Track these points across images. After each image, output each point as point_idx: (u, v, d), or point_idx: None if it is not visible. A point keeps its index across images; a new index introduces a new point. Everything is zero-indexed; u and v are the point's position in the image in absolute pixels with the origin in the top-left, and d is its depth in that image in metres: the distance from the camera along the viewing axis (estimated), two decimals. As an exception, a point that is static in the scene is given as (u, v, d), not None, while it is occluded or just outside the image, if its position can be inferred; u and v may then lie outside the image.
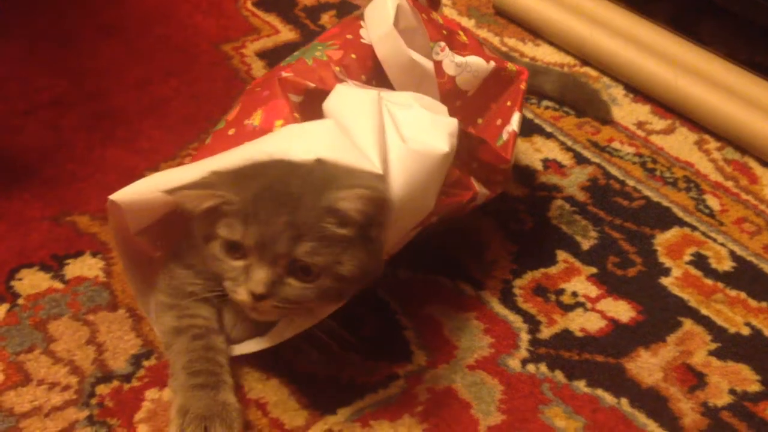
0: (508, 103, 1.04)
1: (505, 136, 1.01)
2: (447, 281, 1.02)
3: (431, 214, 0.90)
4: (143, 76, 1.25)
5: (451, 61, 1.01)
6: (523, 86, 1.04)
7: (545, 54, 1.38)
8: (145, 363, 0.91)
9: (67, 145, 1.14)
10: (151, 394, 0.88)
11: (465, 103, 1.02)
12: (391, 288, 1.00)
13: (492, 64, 1.02)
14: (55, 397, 0.87)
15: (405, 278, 1.02)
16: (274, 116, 0.88)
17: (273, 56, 1.31)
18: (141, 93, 1.23)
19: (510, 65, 1.05)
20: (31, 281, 0.97)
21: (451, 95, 1.00)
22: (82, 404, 0.87)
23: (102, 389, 0.88)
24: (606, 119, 1.26)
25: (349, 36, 0.98)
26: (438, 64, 1.00)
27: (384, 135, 0.86)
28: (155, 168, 1.11)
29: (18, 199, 1.06)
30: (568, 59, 1.37)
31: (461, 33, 1.05)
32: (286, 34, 1.37)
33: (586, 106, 1.26)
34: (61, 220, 1.04)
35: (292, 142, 0.85)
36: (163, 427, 0.85)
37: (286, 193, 0.80)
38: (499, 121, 1.03)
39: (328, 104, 0.89)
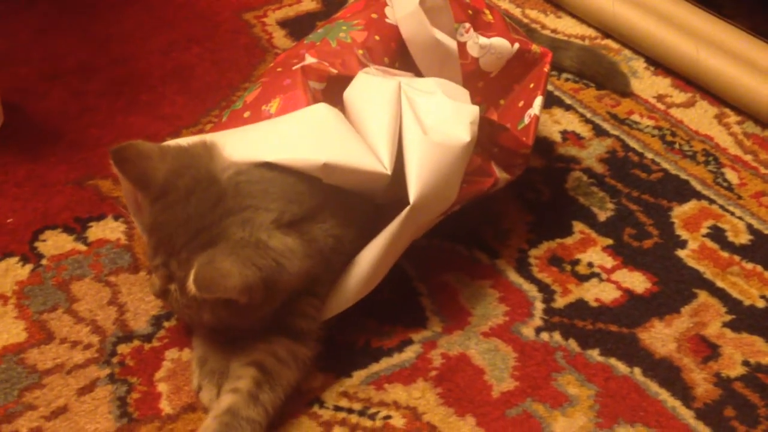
0: (531, 85, 1.04)
1: (526, 119, 1.01)
2: (463, 249, 1.03)
3: (454, 203, 0.91)
4: (166, 43, 1.26)
5: (475, 43, 1.01)
6: (546, 68, 1.04)
7: (567, 26, 1.37)
8: (166, 324, 0.93)
9: (92, 110, 1.16)
10: (171, 354, 0.90)
11: (487, 84, 1.02)
12: (408, 255, 1.01)
13: (516, 45, 1.02)
14: (77, 355, 0.89)
15: (421, 245, 1.02)
16: (290, 107, 0.89)
17: (294, 25, 1.32)
18: (164, 59, 1.24)
19: (534, 47, 1.04)
20: (55, 243, 0.99)
21: (473, 76, 1.01)
22: (103, 362, 0.89)
23: (123, 348, 0.90)
24: (625, 92, 1.26)
25: (374, 15, 0.99)
26: (462, 45, 1.00)
27: (398, 130, 0.86)
28: (177, 134, 1.13)
29: (43, 163, 1.08)
30: (589, 31, 1.37)
31: (487, 11, 1.04)
32: (308, 3, 1.37)
33: (606, 79, 1.26)
34: (85, 184, 1.06)
35: (296, 139, 0.85)
36: (182, 386, 0.87)
37: (180, 219, 0.81)
38: (521, 103, 1.03)
39: (349, 93, 0.90)
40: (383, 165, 0.85)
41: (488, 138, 0.96)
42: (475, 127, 0.89)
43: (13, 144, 1.10)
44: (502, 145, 0.98)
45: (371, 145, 0.86)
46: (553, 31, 1.36)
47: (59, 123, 1.14)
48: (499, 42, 1.02)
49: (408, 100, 0.88)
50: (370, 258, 0.88)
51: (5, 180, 1.06)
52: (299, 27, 1.31)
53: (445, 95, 0.90)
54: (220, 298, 0.80)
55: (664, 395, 0.91)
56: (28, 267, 0.97)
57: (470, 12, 1.02)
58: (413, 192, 0.85)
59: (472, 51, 1.01)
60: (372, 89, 0.90)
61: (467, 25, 1.01)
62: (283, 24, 1.33)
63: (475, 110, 0.90)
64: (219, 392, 0.84)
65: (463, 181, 0.91)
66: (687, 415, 0.89)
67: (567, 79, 1.28)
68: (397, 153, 0.87)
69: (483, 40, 1.01)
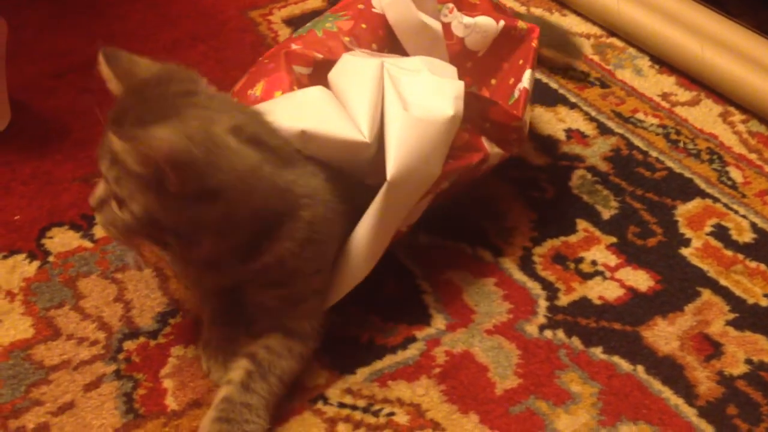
0: (520, 62, 1.04)
1: (516, 93, 1.01)
2: (467, 247, 1.04)
3: (440, 180, 0.91)
4: (171, 41, 1.27)
5: (459, 23, 1.01)
6: (534, 44, 1.04)
7: (571, 24, 1.37)
8: (171, 320, 0.93)
9: (98, 107, 1.16)
10: (176, 350, 0.91)
11: (476, 63, 1.03)
12: (412, 253, 1.02)
13: (501, 23, 1.02)
14: (84, 351, 0.90)
15: (425, 244, 1.03)
16: (274, 87, 0.90)
17: (300, 23, 1.31)
18: (169, 57, 1.22)
19: (521, 23, 1.05)
20: (62, 239, 1.00)
21: (460, 56, 1.01)
22: (109, 359, 0.90)
23: (129, 345, 0.91)
24: (577, 61, 1.26)
25: (360, 6, 1.00)
26: (446, 26, 1.00)
27: (380, 103, 0.86)
28: (182, 132, 1.13)
29: (49, 160, 1.09)
30: (594, 29, 1.37)
31: None
32: (314, 1, 1.38)
33: (559, 48, 1.26)
34: (91, 181, 1.06)
35: (281, 111, 0.86)
36: (187, 382, 0.88)
37: (140, 98, 0.79)
38: (511, 80, 1.03)
39: (332, 74, 0.91)
40: (362, 134, 0.84)
41: (478, 113, 0.96)
42: (459, 101, 0.89)
43: (20, 142, 1.10)
44: (493, 119, 0.98)
45: (352, 117, 0.86)
46: (558, 29, 1.37)
47: (65, 121, 1.14)
48: (484, 20, 1.02)
49: (391, 78, 0.88)
50: (359, 240, 0.88)
51: (12, 178, 1.06)
52: (304, 25, 1.31)
53: (430, 72, 0.91)
54: (152, 179, 0.75)
55: (666, 393, 0.91)
56: (35, 264, 0.97)
57: None
58: (390, 167, 0.84)
59: (457, 31, 1.01)
60: (355, 68, 0.90)
61: (450, 5, 1.02)
62: (289, 22, 1.33)
63: (459, 85, 0.90)
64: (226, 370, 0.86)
65: (449, 157, 0.90)
66: (690, 412, 0.90)
67: (572, 78, 1.28)
68: (383, 133, 0.86)
69: (467, 20, 1.02)
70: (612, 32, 1.36)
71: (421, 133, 0.86)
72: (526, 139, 1.05)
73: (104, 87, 1.19)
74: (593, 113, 1.23)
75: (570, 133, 1.20)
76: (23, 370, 0.88)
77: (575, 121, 1.21)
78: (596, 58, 1.32)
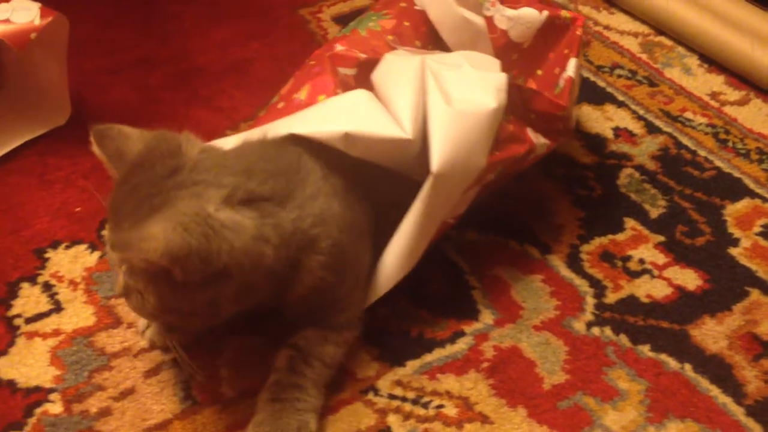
0: (566, 51, 1.04)
1: (561, 83, 1.02)
2: (515, 244, 1.05)
3: (486, 171, 0.91)
4: (225, 39, 1.30)
5: (503, 15, 1.01)
6: (579, 32, 1.04)
7: (619, 23, 1.38)
8: (226, 311, 0.96)
9: (154, 103, 1.20)
10: (232, 341, 0.93)
11: (522, 55, 1.03)
12: (460, 249, 1.03)
13: (545, 13, 1.02)
14: (143, 339, 0.93)
15: (473, 240, 1.04)
16: (318, 91, 0.92)
17: (348, 21, 1.32)
18: (223, 54, 1.27)
19: (564, 12, 1.05)
20: (121, 231, 1.03)
21: (506, 49, 1.01)
22: (168, 347, 0.92)
23: (186, 334, 0.94)
24: None
25: (402, 4, 1.01)
26: (489, 20, 1.01)
27: (422, 100, 0.87)
28: (235, 127, 1.16)
29: (108, 154, 1.12)
30: (642, 28, 1.37)
31: None
32: (362, -1, 1.40)
33: None
34: (148, 175, 1.10)
35: (324, 115, 0.87)
36: (242, 371, 0.90)
37: (131, 187, 0.78)
38: (557, 70, 1.03)
39: (375, 74, 0.92)
40: (404, 131, 0.85)
41: (522, 104, 0.96)
42: (502, 93, 0.89)
43: (80, 136, 1.12)
44: (538, 110, 0.98)
45: (394, 115, 0.87)
46: (606, 27, 1.37)
47: (123, 116, 1.17)
48: (527, 12, 1.02)
49: (433, 74, 0.89)
50: (404, 234, 0.89)
51: (73, 171, 1.10)
52: (350, 23, 1.33)
53: (471, 66, 0.91)
54: (159, 273, 0.75)
55: (714, 391, 0.92)
56: (96, 254, 1.01)
57: None
58: (435, 160, 0.85)
59: (500, 24, 1.01)
60: (396, 67, 0.91)
61: None
62: (338, 19, 1.35)
63: (502, 77, 0.91)
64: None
65: (494, 149, 0.91)
66: (738, 411, 0.90)
67: (620, 76, 1.28)
68: (426, 128, 0.87)
69: (510, 12, 1.01)
70: (660, 31, 1.36)
71: (465, 126, 0.87)
72: (573, 130, 1.05)
73: (158, 83, 1.23)
74: (641, 112, 1.23)
75: (618, 131, 1.20)
76: (86, 356, 0.91)
77: (623, 119, 1.22)
78: (644, 56, 1.32)
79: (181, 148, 0.81)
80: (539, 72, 1.04)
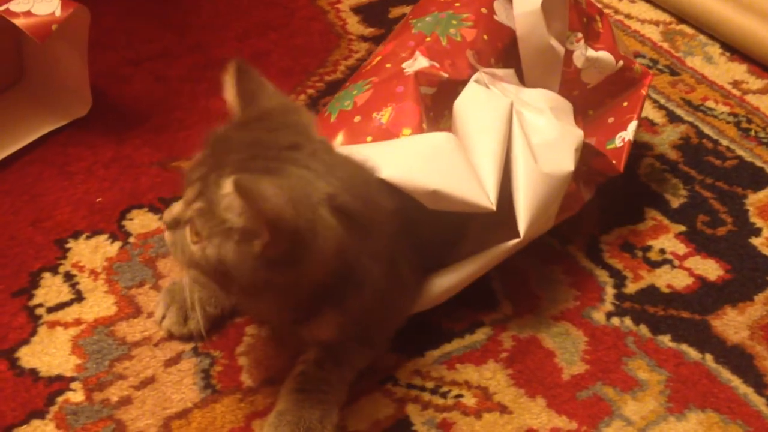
0: (625, 104, 1.04)
1: (617, 141, 1.01)
2: (534, 234, 1.04)
3: None
4: (243, 30, 1.30)
5: (582, 54, 1.01)
6: (644, 91, 1.04)
7: (641, 11, 1.36)
8: (246, 301, 0.96)
9: (174, 94, 1.20)
10: (251, 329, 0.94)
11: (582, 93, 1.03)
12: (479, 239, 1.03)
13: (620, 63, 1.03)
14: (161, 329, 0.94)
15: (493, 230, 1.04)
16: (403, 121, 0.89)
17: (368, 11, 1.34)
18: (241, 45, 1.28)
19: (637, 66, 1.05)
20: (141, 221, 1.04)
21: (571, 84, 1.02)
22: (184, 337, 0.93)
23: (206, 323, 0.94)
24: None
25: (483, 10, 0.99)
26: (569, 53, 1.00)
27: (505, 154, 0.87)
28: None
29: (129, 145, 1.13)
30: (664, 16, 1.36)
31: (598, 19, 1.05)
32: (381, -11, 1.39)
33: None
34: (168, 165, 1.11)
35: (412, 164, 0.85)
36: (262, 360, 0.91)
37: (247, 140, 0.77)
38: (611, 119, 1.03)
39: (459, 104, 0.91)
40: (489, 200, 0.85)
41: (582, 159, 0.95)
42: (578, 154, 0.91)
43: (101, 127, 1.15)
44: (593, 167, 0.99)
45: (477, 167, 0.86)
46: (627, 15, 1.36)
47: (144, 107, 1.18)
48: (605, 57, 1.02)
49: (517, 115, 0.89)
50: (465, 271, 0.90)
51: (94, 161, 1.11)
52: (372, 13, 1.33)
53: (552, 114, 0.92)
54: (239, 231, 0.73)
55: (735, 382, 0.91)
56: (117, 244, 1.01)
57: (585, 20, 1.03)
58: (523, 224, 0.86)
59: (577, 62, 1.01)
60: (483, 104, 0.90)
61: (579, 34, 1.01)
62: (357, 10, 1.35)
63: (580, 135, 0.92)
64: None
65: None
66: (759, 402, 0.89)
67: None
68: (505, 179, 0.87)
69: (591, 53, 1.01)
70: (682, 19, 1.35)
71: (548, 188, 0.88)
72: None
73: (178, 74, 1.24)
74: (662, 101, 1.22)
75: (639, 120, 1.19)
76: (107, 345, 0.92)
77: (644, 108, 1.20)
78: (665, 45, 1.31)
79: (309, 130, 0.80)
80: (591, 112, 1.04)
